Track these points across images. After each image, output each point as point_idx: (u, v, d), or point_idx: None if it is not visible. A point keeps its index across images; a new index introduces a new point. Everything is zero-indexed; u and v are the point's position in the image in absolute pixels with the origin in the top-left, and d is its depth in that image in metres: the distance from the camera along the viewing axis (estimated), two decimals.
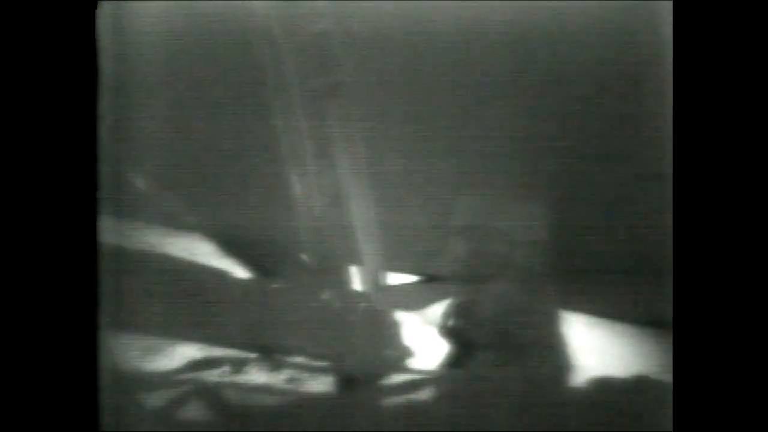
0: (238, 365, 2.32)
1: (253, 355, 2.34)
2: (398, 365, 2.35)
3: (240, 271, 2.55)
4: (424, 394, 2.28)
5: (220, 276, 2.53)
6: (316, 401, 2.27)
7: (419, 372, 2.33)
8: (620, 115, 2.25)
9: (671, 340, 1.56)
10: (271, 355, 2.35)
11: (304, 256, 2.54)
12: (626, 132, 2.26)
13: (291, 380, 2.31)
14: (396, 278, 2.56)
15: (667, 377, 1.69)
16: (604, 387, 2.22)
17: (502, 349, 2.31)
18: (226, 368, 2.32)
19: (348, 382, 2.30)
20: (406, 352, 2.38)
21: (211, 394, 2.24)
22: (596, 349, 2.29)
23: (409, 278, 2.56)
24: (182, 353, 2.34)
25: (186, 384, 2.26)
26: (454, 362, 2.34)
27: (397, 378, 2.32)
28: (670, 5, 1.61)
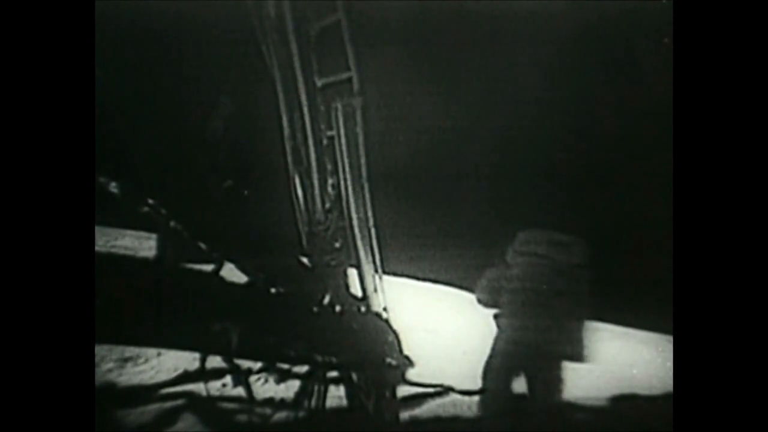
0: (236, 372, 2.29)
1: (251, 362, 2.32)
2: (401, 371, 2.33)
3: (239, 274, 2.53)
4: (426, 401, 2.27)
5: (218, 279, 2.51)
6: (317, 407, 2.26)
7: (423, 378, 2.32)
8: (619, 115, 2.25)
9: (672, 345, 1.55)
10: (271, 360, 2.32)
11: (304, 257, 2.52)
12: (626, 132, 2.26)
13: (291, 386, 2.29)
14: (395, 280, 2.55)
15: (668, 381, 1.68)
16: (604, 390, 2.21)
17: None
18: (227, 379, 2.29)
19: (350, 388, 2.28)
20: (408, 358, 2.36)
21: (205, 403, 2.20)
22: (596, 352, 2.28)
23: (408, 280, 2.55)
24: (175, 361, 2.30)
25: (178, 394, 2.21)
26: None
27: (400, 385, 2.31)
28: (670, 5, 1.61)
